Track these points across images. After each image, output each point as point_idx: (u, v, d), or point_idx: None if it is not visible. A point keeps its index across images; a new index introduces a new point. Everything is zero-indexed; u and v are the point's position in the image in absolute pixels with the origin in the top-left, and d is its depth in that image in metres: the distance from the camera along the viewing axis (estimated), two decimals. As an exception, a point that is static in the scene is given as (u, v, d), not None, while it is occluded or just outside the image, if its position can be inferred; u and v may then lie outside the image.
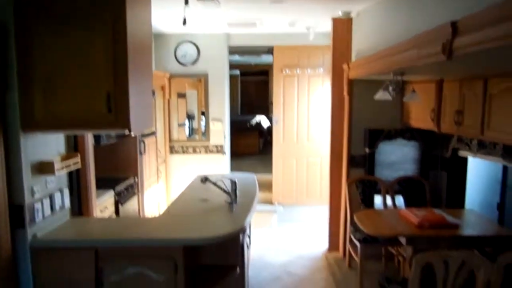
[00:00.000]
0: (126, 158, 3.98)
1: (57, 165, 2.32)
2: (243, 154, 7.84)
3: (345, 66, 3.98)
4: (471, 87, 2.76)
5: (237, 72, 9.82)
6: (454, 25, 1.70)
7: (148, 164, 4.40)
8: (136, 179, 3.98)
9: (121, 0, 2.03)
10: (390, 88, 3.20)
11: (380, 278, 2.64)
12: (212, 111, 5.22)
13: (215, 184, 2.92)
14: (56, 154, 2.45)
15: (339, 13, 4.00)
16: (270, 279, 3.72)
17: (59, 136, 2.50)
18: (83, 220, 2.73)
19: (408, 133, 3.92)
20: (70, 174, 2.64)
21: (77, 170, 2.75)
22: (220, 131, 5.18)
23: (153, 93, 4.40)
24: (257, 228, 5.06)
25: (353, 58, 4.03)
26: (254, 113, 9.05)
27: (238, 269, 2.62)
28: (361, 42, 3.88)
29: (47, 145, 2.39)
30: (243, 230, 2.52)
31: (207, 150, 5.23)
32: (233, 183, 2.96)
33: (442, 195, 3.84)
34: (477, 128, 2.68)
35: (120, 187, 3.64)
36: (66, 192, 2.56)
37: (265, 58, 7.73)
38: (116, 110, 2.07)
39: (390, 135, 3.93)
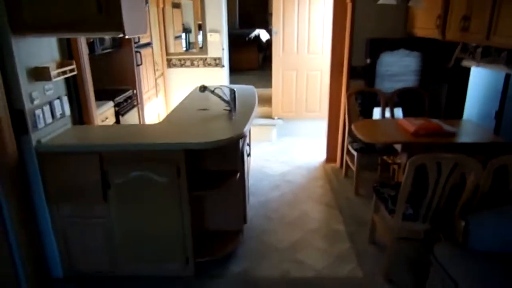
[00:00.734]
0: (123, 69, 3.91)
1: (53, 71, 2.28)
2: (242, 70, 7.70)
3: (350, -31, 3.73)
4: (482, -11, 2.61)
5: (235, -19, 9.24)
6: None
7: (146, 76, 4.33)
8: (135, 91, 3.96)
9: None
10: (396, -9, 3.03)
11: (374, 183, 2.75)
12: (209, 22, 5.00)
13: (213, 92, 2.90)
14: (50, 61, 2.40)
15: None
16: (270, 187, 3.90)
17: (51, 41, 2.43)
18: (85, 127, 2.77)
19: (411, 42, 3.80)
20: (67, 83, 2.61)
21: (74, 80, 2.72)
22: (218, 43, 5.02)
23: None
24: (257, 142, 5.17)
25: (359, -40, 3.75)
26: (253, 26, 8.69)
27: (238, 174, 2.72)
28: None
29: (41, 51, 2.33)
30: (242, 136, 2.56)
31: (205, 63, 5.12)
32: (232, 92, 2.94)
33: (441, 107, 3.85)
34: (483, 33, 2.58)
35: (119, 98, 3.63)
36: (65, 100, 2.56)
37: (265, -35, 7.20)
38: (107, 10, 1.98)
39: (392, 44, 3.81)
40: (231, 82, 6.26)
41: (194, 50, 5.76)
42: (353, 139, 3.68)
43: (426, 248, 2.45)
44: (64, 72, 2.42)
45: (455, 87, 3.63)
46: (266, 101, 5.64)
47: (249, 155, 3.25)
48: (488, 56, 3.01)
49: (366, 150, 3.53)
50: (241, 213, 2.88)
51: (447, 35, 3.12)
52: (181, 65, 5.17)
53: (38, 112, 2.25)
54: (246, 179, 2.98)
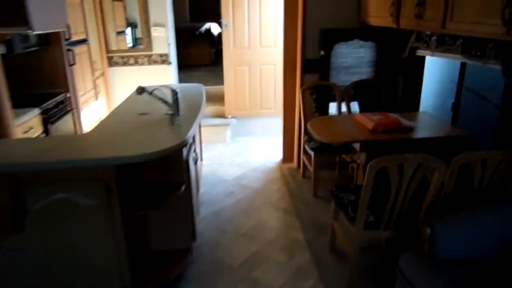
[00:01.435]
0: (52, 70, 3.47)
1: None
2: (193, 66, 7.32)
3: (298, -44, 3.48)
4: (436, -26, 2.44)
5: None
6: None
7: (82, 77, 3.90)
8: (68, 95, 3.52)
9: None
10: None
11: (332, 187, 2.54)
12: (153, 15, 4.61)
13: (151, 94, 2.56)
14: None
15: None
16: (224, 193, 3.61)
17: None
18: (-3, 142, 2.35)
19: (365, 32, 3.62)
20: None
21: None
22: (163, 38, 4.64)
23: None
24: (210, 143, 4.86)
25: None
26: (205, 19, 8.32)
27: (183, 187, 2.41)
28: None
29: None
30: (185, 144, 2.25)
31: (151, 60, 4.73)
32: (174, 93, 2.62)
33: (398, 99, 3.72)
34: (438, 21, 2.42)
35: (48, 104, 3.20)
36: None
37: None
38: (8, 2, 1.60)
39: (347, 35, 3.62)
40: (181, 79, 5.90)
41: (141, 46, 5.33)
42: (310, 138, 3.46)
43: (390, 257, 2.26)
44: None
45: (411, 78, 3.50)
46: (219, 99, 5.33)
47: (196, 162, 2.94)
48: (443, 45, 2.86)
49: (323, 149, 3.33)
50: (189, 229, 2.57)
51: (401, 23, 2.95)
52: (124, 64, 4.74)
53: None
54: (194, 191, 2.67)
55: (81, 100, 3.79)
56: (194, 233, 2.68)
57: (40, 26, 1.76)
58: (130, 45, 5.55)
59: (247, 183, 3.81)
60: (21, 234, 1.99)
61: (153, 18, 4.58)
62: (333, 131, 2.85)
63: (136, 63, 4.72)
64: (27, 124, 2.87)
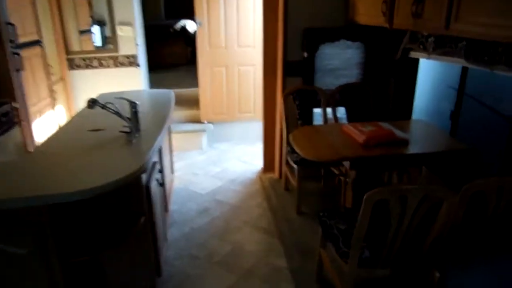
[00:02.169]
0: (-5, 78, 3.00)
1: None
2: (169, 66, 6.87)
3: None
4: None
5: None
6: None
7: (33, 84, 3.43)
8: (15, 105, 3.06)
9: None
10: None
11: (319, 212, 2.19)
12: (119, 13, 4.16)
13: (104, 107, 2.15)
14: None
15: None
16: (197, 211, 3.22)
17: None
18: None
19: (353, 32, 3.28)
20: None
21: None
22: (131, 38, 4.20)
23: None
24: (185, 151, 4.47)
25: None
26: (182, 16, 7.85)
27: (142, 219, 2.02)
28: None
29: None
30: (143, 170, 1.86)
31: (117, 62, 4.28)
32: (132, 105, 2.22)
33: (389, 104, 3.39)
34: (441, 21, 2.09)
35: (-12, 116, 2.75)
36: None
37: None
38: None
39: (332, 35, 3.27)
40: (154, 82, 5.46)
41: (111, 46, 4.86)
42: (292, 149, 3.10)
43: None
44: None
45: (403, 82, 3.18)
46: (194, 102, 4.92)
47: (162, 184, 2.54)
48: (442, 47, 2.54)
49: (308, 162, 2.97)
50: (152, 265, 2.18)
51: (395, 22, 2.61)
52: (87, 66, 4.28)
53: None
54: (158, 219, 2.28)
55: (33, 110, 3.33)
56: (159, 268, 2.29)
57: None
58: (98, 45, 5.08)
59: (223, 198, 3.43)
60: None
61: (118, 16, 4.13)
62: (319, 145, 2.50)
63: (101, 65, 4.27)
64: (-40, 142, 2.42)
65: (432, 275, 1.60)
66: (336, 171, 3.28)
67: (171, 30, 6.78)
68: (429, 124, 2.84)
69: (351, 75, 3.47)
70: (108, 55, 4.25)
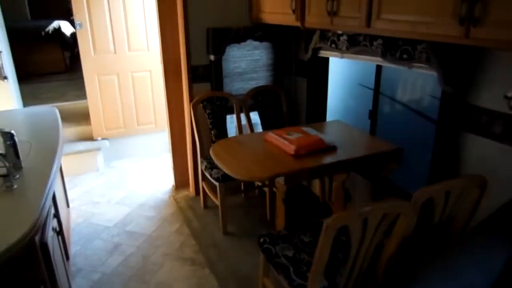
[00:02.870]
0: None
1: None
2: (44, 75, 5.89)
3: None
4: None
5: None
6: None
7: None
8: None
9: None
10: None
11: (260, 238, 1.94)
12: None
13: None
14: None
15: None
16: (105, 250, 2.71)
17: None
18: None
19: (259, 31, 3.08)
20: None
21: None
22: (-11, 45, 3.39)
23: None
24: (78, 175, 3.83)
25: None
26: (53, 16, 6.81)
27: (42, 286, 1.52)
28: None
29: None
30: (36, 228, 1.38)
31: (-27, 76, 3.42)
32: (6, 137, 1.67)
33: (301, 106, 3.30)
34: (360, 18, 1.99)
35: None
36: None
37: None
38: None
39: (238, 36, 3.02)
40: (27, 97, 4.60)
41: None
42: (211, 164, 2.79)
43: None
44: None
45: (315, 82, 3.09)
46: (84, 117, 4.26)
47: (59, 231, 2.01)
48: (356, 45, 2.49)
49: (230, 177, 2.69)
50: None
51: (307, 21, 2.47)
52: None
53: None
54: (59, 279, 1.77)
55: None
56: None
57: None
58: None
59: (136, 228, 2.96)
60: None
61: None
62: (246, 160, 2.24)
63: (-49, 80, 3.36)
64: None
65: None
66: (259, 183, 3.07)
67: (43, 33, 5.81)
68: (347, 125, 2.79)
69: (260, 77, 3.29)
70: (-40, 67, 3.37)
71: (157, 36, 3.86)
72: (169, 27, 3.12)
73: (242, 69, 3.20)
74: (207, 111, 3.03)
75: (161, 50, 3.21)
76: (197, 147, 3.05)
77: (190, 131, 3.20)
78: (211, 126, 3.05)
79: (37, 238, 1.51)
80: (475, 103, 1.93)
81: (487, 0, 1.39)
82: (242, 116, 3.12)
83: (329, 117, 3.18)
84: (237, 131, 3.11)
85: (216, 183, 2.72)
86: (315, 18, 2.39)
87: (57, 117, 2.54)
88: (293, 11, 2.53)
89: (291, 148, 2.21)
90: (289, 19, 2.59)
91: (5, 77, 3.45)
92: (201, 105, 3.01)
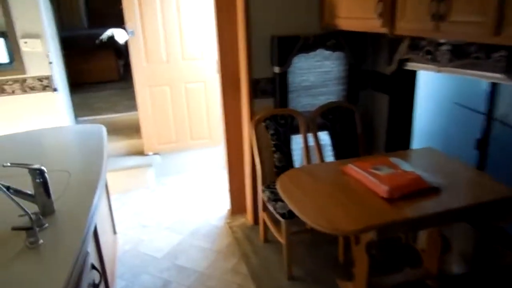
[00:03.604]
0: None
1: None
2: (97, 84, 5.81)
3: None
4: None
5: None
6: None
7: None
8: None
9: None
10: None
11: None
12: (20, 22, 3.15)
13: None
14: None
15: None
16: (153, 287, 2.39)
17: None
18: None
19: (331, 39, 2.64)
20: None
21: None
22: (40, 54, 3.21)
23: None
24: (127, 192, 3.59)
25: None
26: (109, 25, 6.79)
27: None
28: None
29: None
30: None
31: (25, 87, 3.26)
32: (36, 174, 1.36)
33: (379, 127, 2.80)
34: (485, 24, 1.49)
35: None
36: None
37: None
38: None
39: (307, 44, 2.60)
40: (78, 106, 4.47)
41: (15, 66, 3.76)
42: (275, 196, 2.39)
43: None
44: None
45: (400, 100, 2.60)
46: (135, 130, 4.03)
47: (98, 284, 1.69)
48: (464, 57, 1.97)
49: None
50: None
51: (399, 27, 1.99)
52: (-18, 95, 3.22)
53: None
54: None
55: None
56: None
57: None
58: (4, 61, 3.96)
59: (187, 263, 2.62)
60: None
61: (20, 26, 3.13)
62: (325, 204, 1.79)
63: (3, 92, 3.23)
64: None
65: None
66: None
67: (97, 41, 5.74)
68: (443, 155, 2.26)
69: (331, 92, 2.84)
70: (12, 77, 3.23)
71: (213, 43, 3.56)
72: (228, 35, 2.77)
73: (310, 83, 2.77)
74: (270, 131, 2.63)
75: (218, 61, 2.86)
76: (257, 173, 2.65)
77: (249, 152, 2.82)
78: (274, 148, 2.64)
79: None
80: None
81: None
82: (309, 136, 2.70)
83: (415, 142, 2.66)
84: (304, 155, 2.69)
85: (282, 220, 2.31)
86: (410, 24, 1.91)
87: (103, 137, 2.25)
88: (380, 16, 2.06)
89: (382, 189, 1.74)
90: (373, 25, 2.13)
91: (55, 89, 3.27)
92: (263, 124, 2.62)
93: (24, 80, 3.26)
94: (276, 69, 2.59)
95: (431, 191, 1.80)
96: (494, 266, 2.10)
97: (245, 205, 3.10)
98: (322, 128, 2.77)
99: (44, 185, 1.36)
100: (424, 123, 2.67)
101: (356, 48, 2.69)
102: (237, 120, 2.96)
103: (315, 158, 2.70)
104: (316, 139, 2.71)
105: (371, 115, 2.87)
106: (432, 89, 2.63)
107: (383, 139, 2.77)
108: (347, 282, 2.16)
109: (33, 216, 1.24)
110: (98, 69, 5.81)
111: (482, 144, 2.11)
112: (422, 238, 2.38)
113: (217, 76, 3.76)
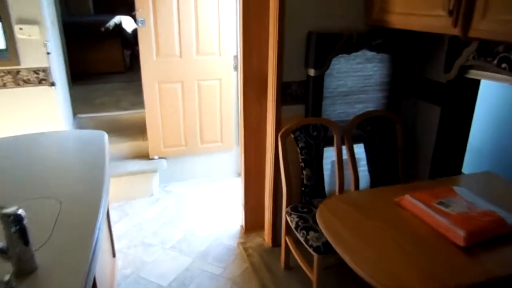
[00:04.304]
0: None
1: None
2: (101, 75, 5.42)
3: None
4: None
5: None
6: None
7: None
8: None
9: None
10: None
11: None
12: (17, 7, 2.76)
13: None
14: None
15: None
16: (156, 325, 2.02)
17: None
18: None
19: (378, 39, 2.25)
20: None
21: None
22: (38, 43, 2.82)
23: None
24: (128, 200, 3.22)
25: None
26: (115, 12, 6.39)
27: None
28: None
29: None
30: None
31: (18, 80, 2.87)
32: (12, 222, 0.98)
33: (424, 143, 2.41)
34: None
35: None
36: None
37: None
38: None
39: (350, 44, 2.20)
40: (78, 102, 4.09)
41: (8, 55, 3.36)
42: (305, 222, 2.01)
43: None
44: None
45: (456, 112, 2.20)
46: (140, 130, 3.66)
47: None
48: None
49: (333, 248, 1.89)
50: None
51: (475, 28, 1.59)
52: (-30, 86, 2.84)
53: None
54: None
55: None
56: None
57: None
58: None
59: (195, 294, 2.25)
60: None
61: (16, 10, 2.74)
62: (384, 252, 1.41)
63: (-6, 84, 2.85)
64: None
65: None
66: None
67: (103, 29, 5.34)
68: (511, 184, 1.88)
69: (371, 99, 2.45)
70: (3, 68, 2.84)
71: (231, 38, 3.17)
72: (255, 29, 2.38)
73: (348, 88, 2.38)
74: (300, 144, 2.25)
75: (241, 59, 2.47)
76: (283, 192, 2.27)
77: (272, 165, 2.44)
78: (303, 164, 2.26)
79: None
80: None
81: None
82: (343, 150, 2.31)
83: (469, 163, 2.27)
84: (336, 173, 2.30)
85: (314, 254, 1.93)
86: (495, 25, 1.51)
87: (104, 147, 1.87)
88: (450, 13, 1.67)
89: (457, 235, 1.36)
90: (440, 24, 1.74)
91: (53, 83, 2.88)
92: (292, 135, 2.24)
93: (17, 72, 2.87)
94: (311, 72, 2.20)
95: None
96: None
97: (261, 223, 2.72)
98: (357, 141, 2.39)
99: (22, 234, 0.98)
100: (479, 142, 2.27)
101: (406, 50, 2.30)
102: (258, 127, 2.58)
103: (347, 174, 2.32)
104: (352, 153, 2.33)
105: (415, 128, 2.48)
106: (491, 102, 2.24)
107: (428, 158, 2.38)
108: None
109: (13, 265, 0.87)
110: (102, 59, 5.41)
111: None
112: None
113: (234, 74, 3.41)
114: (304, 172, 2.27)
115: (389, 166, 2.41)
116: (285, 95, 2.28)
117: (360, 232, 1.49)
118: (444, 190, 1.66)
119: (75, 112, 3.62)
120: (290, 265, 2.41)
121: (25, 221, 0.97)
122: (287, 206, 2.25)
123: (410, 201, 1.60)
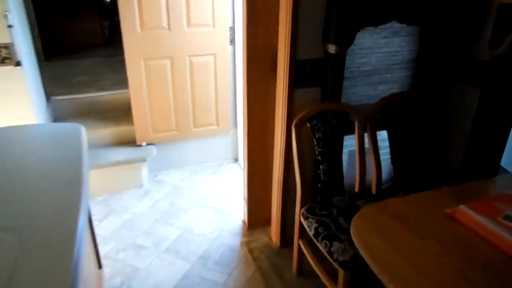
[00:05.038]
0: None
1: None
2: (77, 49, 4.89)
3: None
4: None
5: None
6: None
7: None
8: None
9: None
10: None
11: None
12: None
13: None
14: None
15: None
16: None
17: None
18: None
19: (410, 10, 1.88)
20: None
21: None
22: (-2, 14, 2.36)
23: None
24: (114, 193, 2.87)
25: None
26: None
27: None
28: None
29: None
30: None
31: (-24, 57, 2.42)
32: None
33: (457, 132, 2.10)
34: None
35: None
36: None
37: None
38: None
39: (378, 14, 1.83)
40: (53, 81, 3.63)
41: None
42: (326, 229, 1.70)
43: None
44: None
45: (499, 97, 1.88)
46: (125, 113, 3.25)
47: None
48: None
49: (363, 264, 1.59)
50: None
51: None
52: None
53: None
54: None
55: None
56: None
57: None
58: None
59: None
60: None
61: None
62: (441, 279, 1.11)
63: None
64: None
65: None
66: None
67: (78, -3, 4.78)
68: None
69: (396, 80, 2.12)
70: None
71: (227, 7, 2.76)
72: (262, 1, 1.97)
73: (372, 67, 2.03)
74: (317, 134, 1.91)
75: (244, 33, 2.07)
76: (297, 190, 1.95)
77: (281, 157, 2.10)
78: (320, 157, 1.93)
79: None
80: None
81: None
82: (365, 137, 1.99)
83: (509, 156, 1.98)
84: (357, 163, 1.99)
85: (340, 269, 1.63)
86: None
87: (81, 146, 1.48)
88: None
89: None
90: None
91: (18, 63, 2.43)
92: (308, 124, 1.89)
93: (-26, 48, 2.41)
94: (332, 48, 1.83)
95: None
96: None
97: (266, 218, 2.42)
98: (379, 127, 2.06)
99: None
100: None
101: (442, 21, 1.94)
102: (265, 111, 2.22)
103: (368, 164, 2.01)
104: (375, 143, 2.01)
105: (447, 114, 2.16)
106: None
107: (461, 149, 2.08)
108: None
109: None
110: (79, 31, 4.86)
111: None
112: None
113: (230, 49, 3.01)
114: (322, 167, 1.94)
115: (415, 157, 2.10)
116: (299, 75, 1.92)
117: (408, 253, 1.18)
118: (507, 198, 1.36)
119: (48, 94, 3.17)
120: (303, 270, 2.13)
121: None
122: (301, 207, 1.93)
123: (467, 213, 1.29)
